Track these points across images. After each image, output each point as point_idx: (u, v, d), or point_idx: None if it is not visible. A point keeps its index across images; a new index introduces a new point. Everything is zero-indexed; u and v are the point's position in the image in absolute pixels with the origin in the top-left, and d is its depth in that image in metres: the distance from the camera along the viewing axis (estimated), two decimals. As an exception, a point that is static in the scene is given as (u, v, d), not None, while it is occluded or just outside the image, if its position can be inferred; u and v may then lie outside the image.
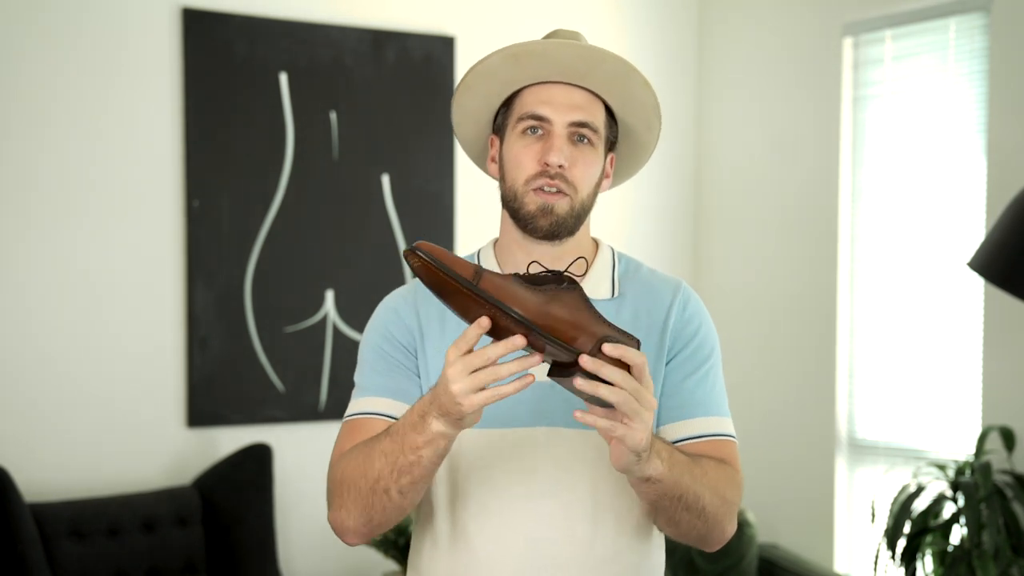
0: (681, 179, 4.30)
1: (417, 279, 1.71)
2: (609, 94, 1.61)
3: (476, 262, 1.69)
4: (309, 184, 3.66)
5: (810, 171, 3.87)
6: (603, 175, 1.63)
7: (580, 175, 1.57)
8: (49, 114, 3.33)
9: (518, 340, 1.31)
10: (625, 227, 4.09)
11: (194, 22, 3.48)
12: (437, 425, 1.38)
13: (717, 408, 1.63)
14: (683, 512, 1.49)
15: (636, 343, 1.37)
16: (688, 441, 1.59)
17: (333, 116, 3.69)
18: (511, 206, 1.60)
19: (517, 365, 1.33)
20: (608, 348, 1.32)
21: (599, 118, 1.60)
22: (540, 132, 1.57)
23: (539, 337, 1.32)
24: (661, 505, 1.48)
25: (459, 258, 1.35)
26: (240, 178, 3.57)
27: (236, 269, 3.57)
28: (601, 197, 1.66)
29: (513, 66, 1.58)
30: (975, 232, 3.36)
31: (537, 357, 1.33)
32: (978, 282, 3.33)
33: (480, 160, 1.74)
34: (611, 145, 1.65)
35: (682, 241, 4.30)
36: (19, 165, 3.30)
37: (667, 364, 1.62)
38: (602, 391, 1.31)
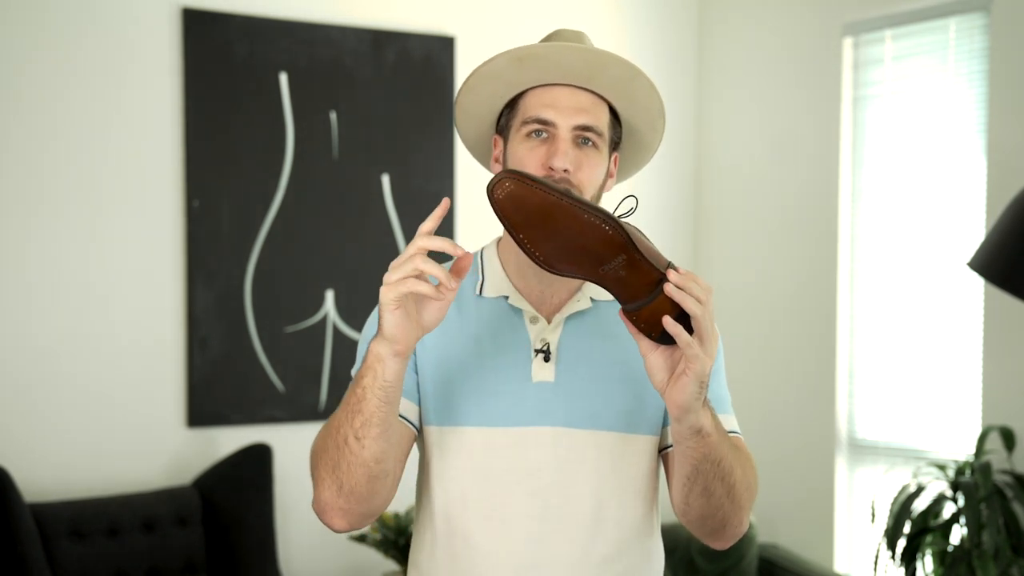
0: (681, 179, 4.30)
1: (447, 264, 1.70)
2: (614, 96, 1.61)
3: (479, 262, 1.69)
4: (309, 184, 3.66)
5: (810, 171, 3.87)
6: (607, 175, 1.63)
7: (585, 178, 1.57)
8: (49, 114, 3.33)
9: (444, 203, 1.41)
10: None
11: (194, 22, 3.48)
12: (376, 345, 1.42)
13: (723, 406, 1.63)
14: (717, 482, 1.50)
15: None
16: None
17: (333, 116, 3.69)
18: None
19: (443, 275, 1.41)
20: (674, 276, 1.37)
21: (603, 120, 1.60)
22: (545, 135, 1.57)
23: (635, 252, 1.37)
24: (702, 469, 1.48)
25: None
26: (240, 178, 3.57)
27: (236, 269, 3.57)
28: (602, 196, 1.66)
29: (517, 69, 1.58)
30: (975, 232, 3.36)
31: (455, 283, 1.41)
32: (978, 282, 3.33)
33: (484, 159, 1.74)
34: (615, 145, 1.64)
35: (682, 241, 4.30)
36: (19, 165, 3.30)
37: None
38: (689, 302, 1.36)
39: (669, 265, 1.38)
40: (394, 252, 3.76)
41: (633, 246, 1.37)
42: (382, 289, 1.42)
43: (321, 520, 1.54)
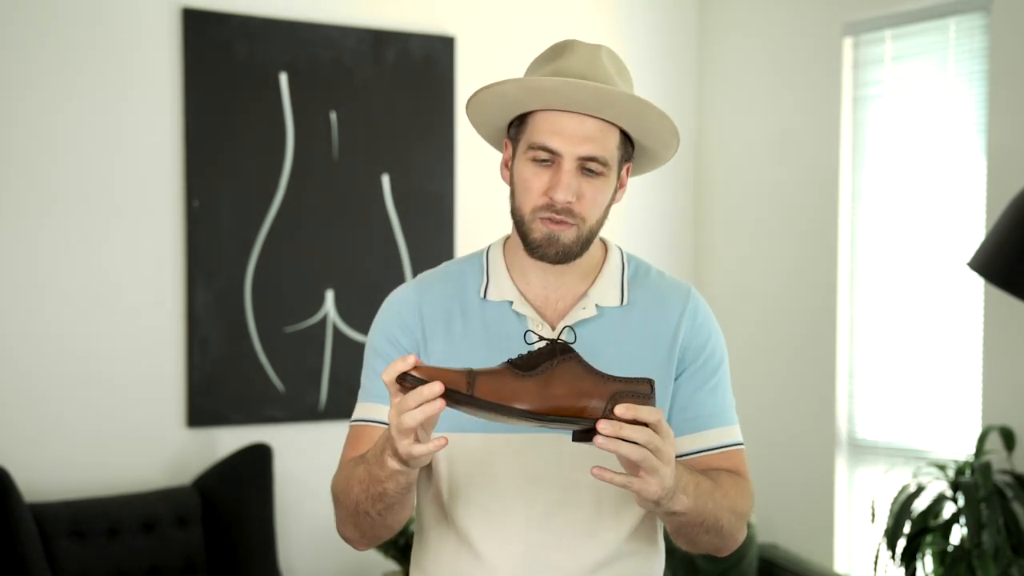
0: (681, 179, 4.30)
1: (425, 274, 1.71)
2: (625, 125, 1.58)
3: (484, 262, 1.68)
4: (309, 184, 3.65)
5: (810, 171, 3.87)
6: (617, 190, 1.61)
7: (587, 207, 1.56)
8: (49, 114, 3.33)
9: (436, 387, 1.32)
10: (625, 227, 4.08)
11: (194, 22, 3.48)
12: (392, 464, 1.41)
13: (728, 418, 1.64)
14: (703, 534, 1.53)
15: (648, 384, 1.39)
16: (702, 454, 1.62)
17: (333, 116, 3.69)
18: (519, 228, 1.59)
19: (428, 448, 1.36)
20: (620, 411, 1.35)
21: (612, 147, 1.57)
22: (549, 162, 1.55)
23: (548, 423, 1.36)
24: (683, 530, 1.52)
25: (449, 371, 1.35)
26: (240, 178, 3.57)
27: (236, 269, 3.57)
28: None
29: (525, 95, 1.56)
30: (975, 232, 3.36)
31: (443, 440, 1.35)
32: (978, 282, 3.33)
33: (500, 148, 1.72)
34: (626, 159, 1.62)
35: (682, 241, 4.30)
36: (19, 165, 3.30)
37: (677, 378, 1.62)
38: (623, 450, 1.35)
39: (614, 396, 1.37)
40: (394, 252, 3.76)
41: (545, 419, 1.36)
42: (405, 450, 1.37)
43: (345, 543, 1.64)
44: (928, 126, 3.53)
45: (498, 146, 1.71)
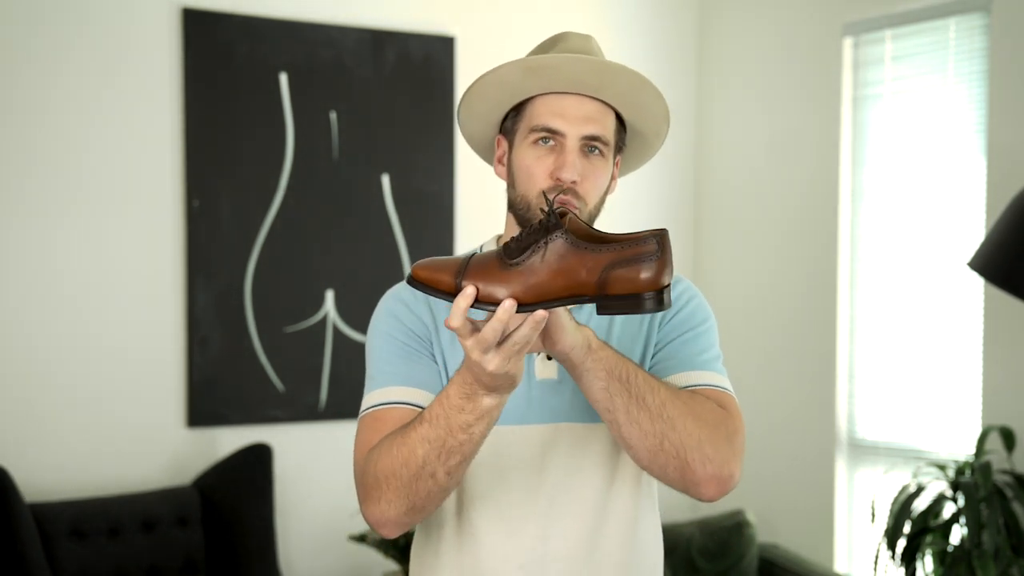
0: (681, 179, 4.30)
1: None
2: (621, 105, 1.61)
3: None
4: (309, 184, 3.66)
5: (810, 171, 3.87)
6: (611, 179, 1.63)
7: (590, 187, 1.57)
8: (49, 114, 3.33)
9: (507, 304, 1.27)
10: (625, 227, 4.08)
11: (194, 22, 3.48)
12: (489, 400, 1.36)
13: (707, 365, 1.59)
14: (637, 406, 1.42)
15: (655, 242, 1.30)
16: None
17: (333, 116, 3.69)
18: (521, 215, 1.60)
19: (528, 328, 1.30)
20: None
21: (610, 129, 1.60)
22: (552, 143, 1.57)
23: (540, 309, 1.29)
24: (612, 391, 1.42)
25: (443, 266, 1.32)
26: (240, 178, 3.57)
27: (236, 269, 3.57)
28: (600, 196, 1.66)
29: (526, 77, 1.57)
30: (975, 232, 3.36)
31: (542, 312, 1.29)
32: (978, 282, 3.33)
33: (487, 155, 1.73)
34: (619, 149, 1.65)
35: (682, 241, 4.30)
36: (19, 165, 3.30)
37: (658, 332, 1.62)
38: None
39: (610, 265, 1.30)
40: (394, 252, 3.76)
41: (531, 308, 1.30)
42: (500, 368, 1.32)
43: (374, 528, 1.52)
44: (928, 126, 3.53)
45: (484, 149, 1.72)
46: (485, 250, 1.69)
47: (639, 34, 4.20)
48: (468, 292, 1.28)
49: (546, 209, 1.33)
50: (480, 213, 3.87)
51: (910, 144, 3.58)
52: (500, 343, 1.29)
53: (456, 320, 1.29)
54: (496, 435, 1.56)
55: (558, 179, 1.55)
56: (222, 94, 3.53)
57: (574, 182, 1.54)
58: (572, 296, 1.29)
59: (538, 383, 1.59)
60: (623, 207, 4.08)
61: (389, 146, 3.76)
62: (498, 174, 1.66)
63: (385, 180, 3.77)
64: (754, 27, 4.12)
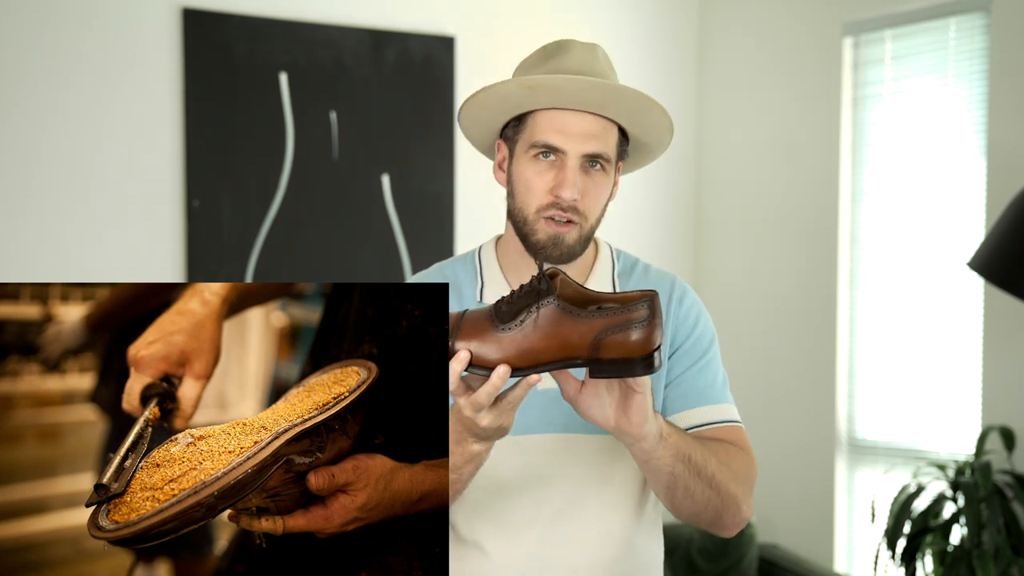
0: (681, 179, 4.30)
1: (417, 276, 1.71)
2: (626, 122, 1.59)
3: (476, 264, 1.68)
4: (309, 184, 3.66)
5: (810, 171, 3.87)
6: (613, 188, 1.63)
7: (591, 204, 1.56)
8: (49, 114, 3.33)
9: (501, 371, 1.31)
10: (625, 227, 4.09)
11: (194, 22, 3.48)
12: (477, 446, 1.40)
13: (720, 396, 1.63)
14: (694, 479, 1.47)
15: (647, 307, 1.33)
16: (695, 430, 1.60)
17: (333, 116, 3.69)
18: (520, 229, 1.59)
19: (521, 390, 1.33)
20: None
21: (612, 144, 1.58)
22: (553, 159, 1.55)
23: (533, 373, 1.33)
24: (676, 472, 1.46)
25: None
26: (240, 178, 3.57)
27: (236, 269, 3.57)
28: (600, 197, 1.66)
29: (528, 94, 1.55)
30: (975, 232, 3.36)
31: (535, 376, 1.33)
32: (978, 282, 3.33)
33: (489, 154, 1.73)
34: (621, 157, 1.63)
35: (682, 241, 4.30)
36: (18, 165, 3.31)
37: (669, 358, 1.63)
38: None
39: (602, 331, 1.33)
40: (394, 252, 3.76)
41: (525, 372, 1.33)
42: (492, 424, 1.35)
43: None
44: (928, 126, 3.53)
45: (486, 150, 1.71)
46: (484, 251, 1.69)
47: (639, 34, 4.20)
48: (462, 357, 1.30)
49: (536, 274, 1.36)
50: (480, 213, 3.87)
51: (910, 144, 3.58)
52: (493, 404, 1.32)
53: (451, 384, 1.31)
54: (498, 445, 1.56)
55: (558, 196, 1.54)
56: (222, 94, 3.53)
57: (575, 200, 1.54)
58: (565, 359, 1.32)
59: (540, 393, 1.58)
60: (623, 207, 4.08)
61: (389, 146, 3.77)
62: (497, 179, 1.66)
63: (385, 180, 3.77)
64: (754, 27, 4.12)
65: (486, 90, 1.57)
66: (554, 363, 1.33)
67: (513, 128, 1.61)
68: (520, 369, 1.32)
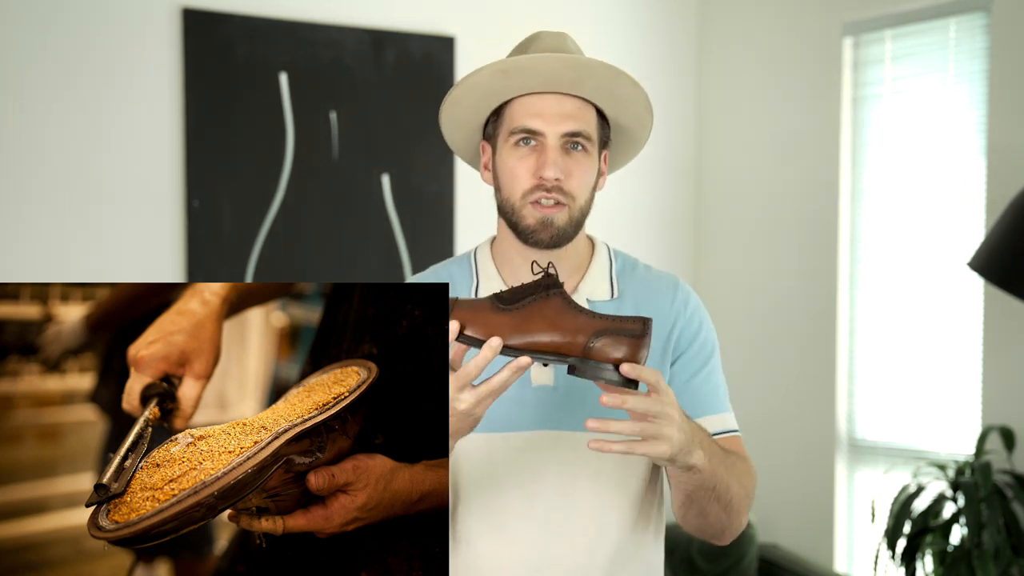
0: (681, 179, 4.30)
1: (415, 277, 1.72)
2: (599, 99, 1.60)
3: (472, 264, 1.69)
4: (309, 184, 3.66)
5: (810, 171, 3.87)
6: (599, 175, 1.63)
7: (576, 184, 1.57)
8: (48, 114, 3.33)
9: (493, 342, 1.32)
10: (625, 227, 4.09)
11: (194, 22, 3.48)
12: (463, 434, 1.41)
13: (721, 405, 1.64)
14: (714, 503, 1.50)
15: (642, 324, 1.36)
16: None
17: (333, 116, 3.69)
18: (509, 218, 1.60)
19: (507, 373, 1.33)
20: (626, 369, 1.33)
21: (591, 123, 1.59)
22: (533, 143, 1.57)
23: (525, 356, 1.34)
24: (696, 496, 1.49)
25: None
26: (240, 178, 3.57)
27: (236, 269, 3.57)
28: (600, 196, 1.66)
29: (502, 80, 1.57)
30: (975, 232, 3.36)
31: (526, 359, 1.34)
32: (978, 282, 3.33)
33: (474, 162, 1.74)
34: (604, 143, 1.64)
35: (682, 241, 4.30)
36: (18, 165, 3.31)
37: (672, 364, 1.63)
38: (630, 403, 1.33)
39: (598, 333, 1.36)
40: (394, 252, 3.76)
41: (516, 352, 1.35)
42: (469, 407, 1.36)
43: None
44: (928, 126, 3.53)
45: (470, 157, 1.73)
46: (479, 252, 1.69)
47: (639, 34, 4.20)
48: (452, 328, 1.33)
49: (545, 269, 1.40)
50: (480, 213, 3.86)
51: (910, 144, 3.58)
52: (475, 387, 1.33)
53: (456, 381, 1.33)
54: (491, 442, 1.56)
55: (541, 178, 1.55)
56: (222, 94, 3.53)
57: (558, 179, 1.54)
58: (557, 352, 1.34)
59: (534, 389, 1.58)
60: (624, 207, 4.08)
61: (389, 146, 3.77)
62: (485, 180, 1.67)
63: (385, 180, 3.77)
64: (754, 27, 4.12)
65: (461, 83, 1.59)
66: (545, 352, 1.34)
67: (492, 124, 1.63)
68: (512, 349, 1.33)
